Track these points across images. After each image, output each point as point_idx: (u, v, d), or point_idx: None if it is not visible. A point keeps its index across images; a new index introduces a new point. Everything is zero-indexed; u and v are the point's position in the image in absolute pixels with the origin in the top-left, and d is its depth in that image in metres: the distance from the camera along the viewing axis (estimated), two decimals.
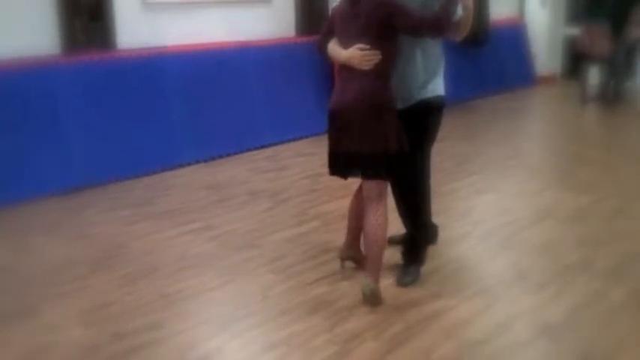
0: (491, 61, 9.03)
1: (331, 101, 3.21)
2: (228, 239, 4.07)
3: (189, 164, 5.76)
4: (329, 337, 2.89)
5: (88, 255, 3.88)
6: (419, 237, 3.47)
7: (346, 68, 3.10)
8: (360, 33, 3.01)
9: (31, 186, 4.89)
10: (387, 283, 3.36)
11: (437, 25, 2.97)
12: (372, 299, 3.15)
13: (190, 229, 4.24)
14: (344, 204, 3.93)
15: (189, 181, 5.36)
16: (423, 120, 3.23)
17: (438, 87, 3.27)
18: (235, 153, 6.14)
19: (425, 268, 3.51)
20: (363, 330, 2.93)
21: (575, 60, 9.14)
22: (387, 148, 3.05)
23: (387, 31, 3.00)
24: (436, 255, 3.71)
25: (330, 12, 3.28)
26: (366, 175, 3.16)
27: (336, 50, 3.16)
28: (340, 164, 3.20)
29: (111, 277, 3.58)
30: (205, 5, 6.21)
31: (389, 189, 3.29)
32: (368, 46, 2.97)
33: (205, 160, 5.91)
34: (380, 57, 2.99)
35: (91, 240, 4.13)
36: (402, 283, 3.37)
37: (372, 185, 3.16)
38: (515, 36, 9.78)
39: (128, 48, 5.64)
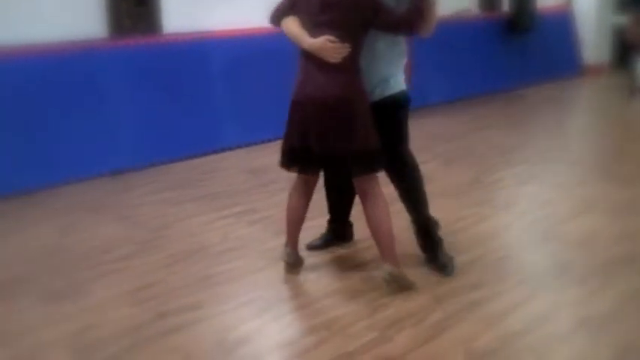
0: (538, 50, 8.88)
1: (296, 92, 3.12)
2: (269, 223, 4.11)
3: (231, 148, 5.82)
4: (369, 323, 2.90)
5: (133, 235, 3.97)
6: (428, 224, 3.44)
7: (313, 58, 3.00)
8: (331, 25, 2.94)
9: (78, 167, 5.01)
10: (424, 271, 3.37)
11: (411, 23, 2.95)
12: (396, 283, 3.13)
13: (232, 213, 4.30)
14: (385, 191, 3.93)
15: (232, 164, 5.42)
16: (392, 116, 3.21)
17: (400, 82, 3.24)
18: (277, 138, 6.12)
19: (466, 258, 3.50)
20: (403, 317, 2.94)
21: (624, 49, 8.94)
22: (367, 144, 3.03)
23: (361, 26, 2.97)
24: (477, 245, 3.70)
25: None
26: (354, 174, 3.13)
27: (300, 35, 3.02)
28: (308, 162, 3.15)
29: (155, 257, 3.66)
30: None
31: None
32: (337, 39, 2.91)
33: (248, 145, 5.96)
34: (349, 50, 2.94)
35: (136, 221, 4.22)
36: (445, 274, 3.33)
37: (362, 180, 3.15)
38: (562, 24, 9.60)
39: (173, 32, 5.71)
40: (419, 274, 3.31)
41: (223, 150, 5.80)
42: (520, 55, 8.75)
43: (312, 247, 3.69)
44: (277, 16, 3.16)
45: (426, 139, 6.33)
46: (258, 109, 6.08)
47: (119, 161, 5.25)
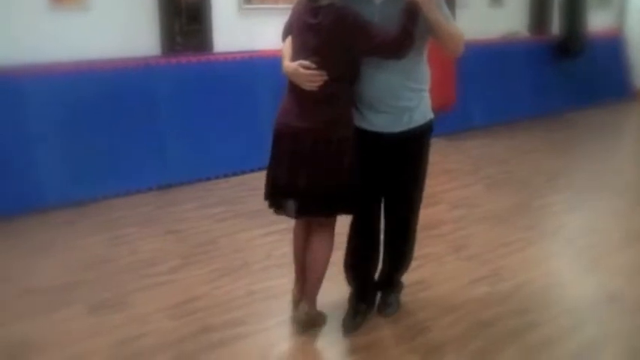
0: (587, 74, 8.75)
1: (277, 120, 2.84)
2: None
3: None
4: (410, 347, 2.89)
5: (179, 249, 4.04)
6: (398, 276, 3.27)
7: (293, 84, 2.73)
8: (312, 49, 2.66)
9: (127, 180, 5.12)
10: (466, 297, 3.33)
11: (397, 47, 2.58)
12: (308, 323, 3.00)
13: (276, 229, 4.32)
14: (425, 214, 3.90)
15: None
16: (415, 149, 2.89)
17: (427, 109, 2.89)
18: None
19: (510, 284, 3.46)
20: (445, 342, 2.92)
21: None
22: (340, 183, 2.75)
23: (344, 51, 2.65)
24: (523, 271, 3.66)
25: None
26: (310, 211, 2.85)
27: (283, 57, 2.78)
28: (284, 197, 2.87)
29: (200, 271, 3.71)
30: None
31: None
32: (314, 65, 2.63)
33: None
34: (325, 78, 2.64)
35: (182, 235, 4.28)
36: (384, 314, 3.18)
37: (323, 218, 2.90)
38: (613, 48, 9.46)
39: (223, 51, 5.82)
40: (460, 298, 3.28)
41: None
42: (569, 78, 8.63)
43: None
44: (283, 36, 2.93)
45: (470, 162, 6.29)
46: None
47: (167, 176, 5.35)
